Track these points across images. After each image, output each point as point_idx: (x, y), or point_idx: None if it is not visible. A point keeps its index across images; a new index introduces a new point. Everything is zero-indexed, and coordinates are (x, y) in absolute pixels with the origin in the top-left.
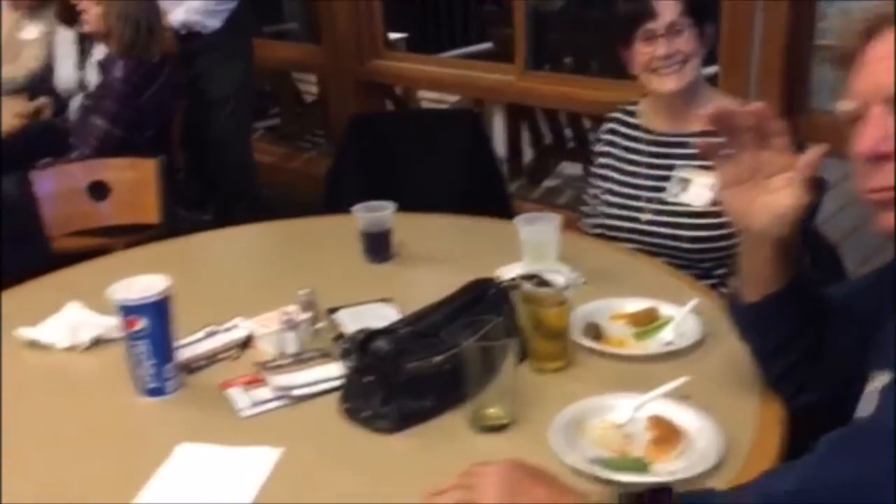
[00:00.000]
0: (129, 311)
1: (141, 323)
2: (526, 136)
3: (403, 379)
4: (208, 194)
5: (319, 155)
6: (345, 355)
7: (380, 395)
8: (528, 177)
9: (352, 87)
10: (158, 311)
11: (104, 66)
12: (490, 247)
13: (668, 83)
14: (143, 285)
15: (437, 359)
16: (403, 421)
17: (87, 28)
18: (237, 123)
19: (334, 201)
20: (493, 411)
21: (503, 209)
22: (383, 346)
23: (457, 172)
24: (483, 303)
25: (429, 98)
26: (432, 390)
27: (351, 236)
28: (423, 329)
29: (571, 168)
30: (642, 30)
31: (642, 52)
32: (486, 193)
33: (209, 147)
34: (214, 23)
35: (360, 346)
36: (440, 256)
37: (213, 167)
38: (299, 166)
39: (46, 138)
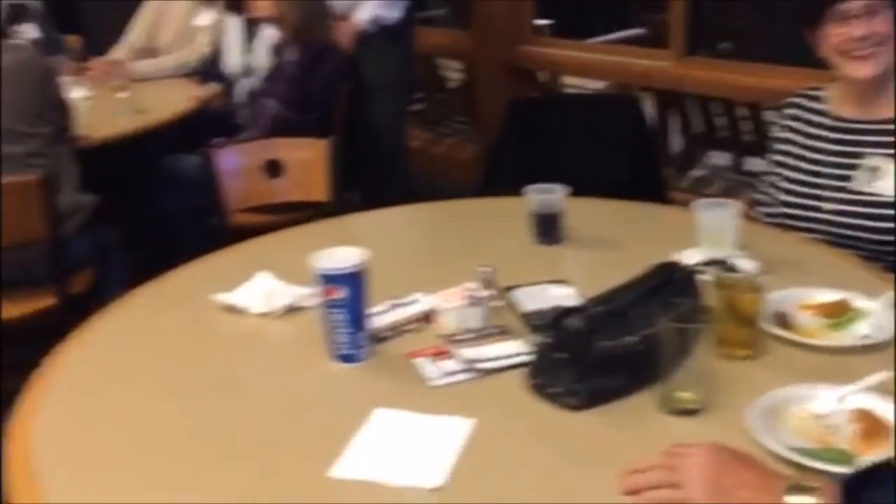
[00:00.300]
0: (330, 280)
1: (340, 292)
2: (674, 124)
3: (595, 357)
4: (357, 175)
5: (462, 140)
6: (535, 331)
7: (570, 372)
8: (676, 165)
9: (501, 74)
10: (356, 281)
11: (277, 50)
12: (659, 232)
13: (862, 68)
14: (342, 256)
15: (630, 339)
16: (593, 399)
17: (259, 14)
18: (395, 109)
19: (491, 183)
20: (686, 395)
21: (657, 196)
22: (576, 324)
23: (611, 157)
24: (671, 286)
25: (571, 84)
26: (622, 370)
27: (514, 217)
28: (613, 309)
29: (720, 158)
30: (835, 10)
31: (835, 34)
32: (639, 180)
33: (366, 131)
34: (395, 13)
35: (553, 323)
36: (610, 240)
37: (367, 150)
38: (443, 151)
39: (213, 120)
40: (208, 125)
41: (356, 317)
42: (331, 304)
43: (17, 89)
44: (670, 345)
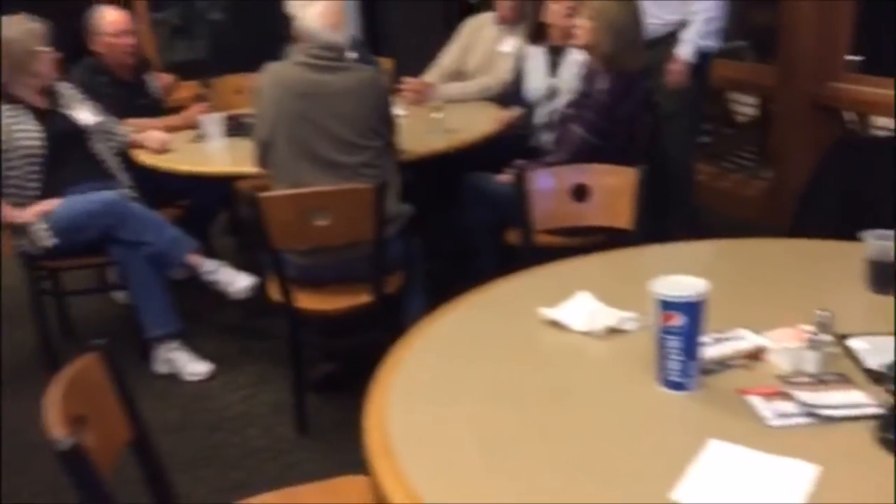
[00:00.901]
0: (670, 306)
1: (678, 319)
2: None
3: None
4: (645, 203)
5: (748, 176)
6: (884, 383)
7: None
8: None
9: (805, 110)
10: (695, 310)
11: (588, 78)
12: None
13: None
14: (682, 284)
15: None
16: None
17: (572, 42)
18: (686, 139)
19: (803, 224)
20: None
21: None
22: None
23: None
24: None
25: (881, 126)
26: None
27: (839, 261)
28: None
29: None
30: None
31: None
32: None
33: (657, 159)
34: (713, 43)
35: None
36: None
37: (656, 179)
38: (728, 186)
39: (509, 141)
40: (505, 146)
41: (691, 345)
42: (667, 331)
43: (360, 105)
44: None
